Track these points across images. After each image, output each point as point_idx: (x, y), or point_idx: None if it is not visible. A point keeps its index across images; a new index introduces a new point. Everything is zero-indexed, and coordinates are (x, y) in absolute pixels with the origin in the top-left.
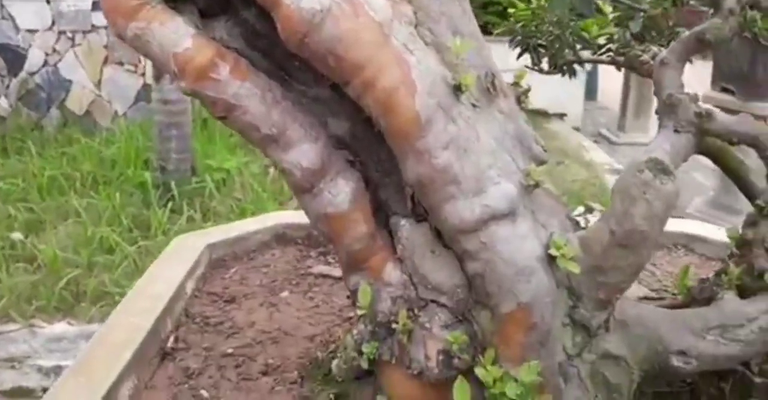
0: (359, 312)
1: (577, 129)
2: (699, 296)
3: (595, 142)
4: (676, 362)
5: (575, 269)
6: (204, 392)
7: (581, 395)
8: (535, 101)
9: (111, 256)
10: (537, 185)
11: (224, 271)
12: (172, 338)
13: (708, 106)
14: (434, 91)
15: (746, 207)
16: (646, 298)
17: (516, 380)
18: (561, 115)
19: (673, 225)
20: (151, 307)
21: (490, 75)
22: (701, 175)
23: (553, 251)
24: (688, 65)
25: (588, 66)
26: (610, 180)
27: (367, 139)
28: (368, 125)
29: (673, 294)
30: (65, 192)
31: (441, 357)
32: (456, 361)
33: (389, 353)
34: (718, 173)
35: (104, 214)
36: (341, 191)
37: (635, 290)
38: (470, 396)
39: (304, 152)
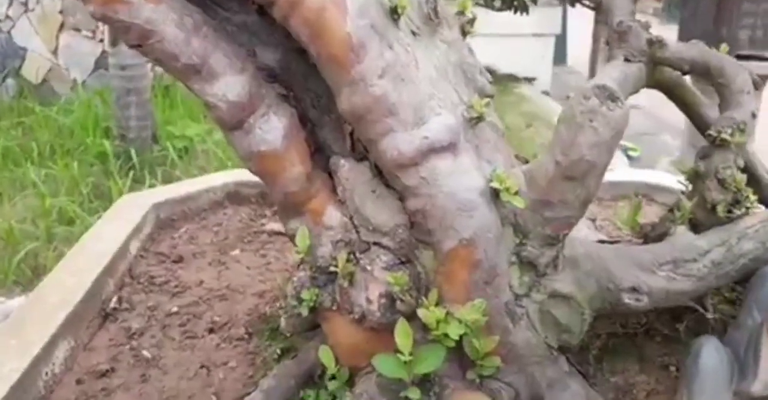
0: (296, 257)
1: (546, 93)
2: (652, 234)
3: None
4: (627, 299)
5: (520, 203)
6: (146, 352)
7: (530, 336)
8: (504, 65)
9: (71, 227)
10: (480, 118)
11: (173, 230)
12: (114, 299)
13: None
14: (368, 10)
15: None
16: (601, 241)
17: (460, 321)
18: (530, 80)
19: (634, 175)
20: (90, 266)
21: (432, 1)
22: (669, 136)
23: (495, 184)
24: (654, 29)
25: (552, 17)
26: None
27: (301, 72)
28: (302, 56)
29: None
30: (21, 163)
31: (383, 300)
32: (399, 303)
33: (330, 299)
34: (686, 134)
35: (63, 184)
36: (273, 128)
37: (592, 237)
38: (414, 339)
39: (230, 84)
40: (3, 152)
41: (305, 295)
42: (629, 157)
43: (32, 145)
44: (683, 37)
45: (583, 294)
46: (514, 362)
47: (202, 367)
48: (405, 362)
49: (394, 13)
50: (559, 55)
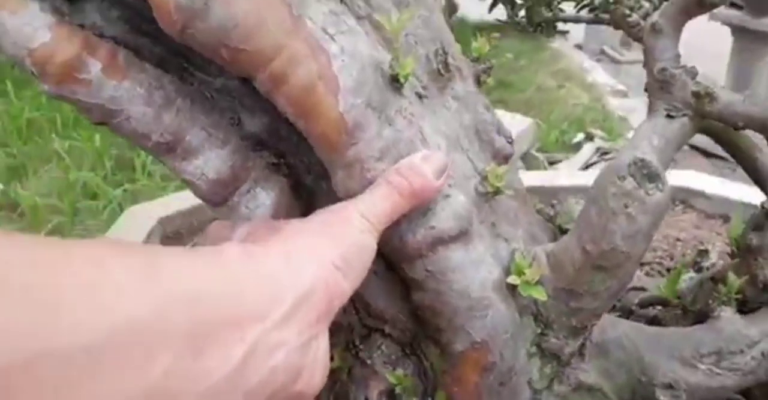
0: None
1: (579, 47)
2: (691, 307)
3: (598, 61)
4: (662, 397)
5: (541, 295)
6: None
7: None
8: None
9: (95, 201)
10: (498, 192)
11: (179, 244)
12: None
13: (708, 84)
14: (363, 86)
15: None
16: (633, 289)
17: None
18: (563, 33)
19: (671, 178)
20: None
21: (442, 52)
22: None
23: (512, 279)
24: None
25: None
26: (612, 103)
27: (293, 138)
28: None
29: (667, 270)
30: (46, 135)
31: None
32: None
33: (327, 393)
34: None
35: (87, 157)
36: (260, 204)
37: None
38: None
39: (209, 160)
40: (27, 123)
41: None
42: None
43: (56, 116)
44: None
45: (612, 385)
46: None
47: None
48: None
49: (395, 82)
50: None
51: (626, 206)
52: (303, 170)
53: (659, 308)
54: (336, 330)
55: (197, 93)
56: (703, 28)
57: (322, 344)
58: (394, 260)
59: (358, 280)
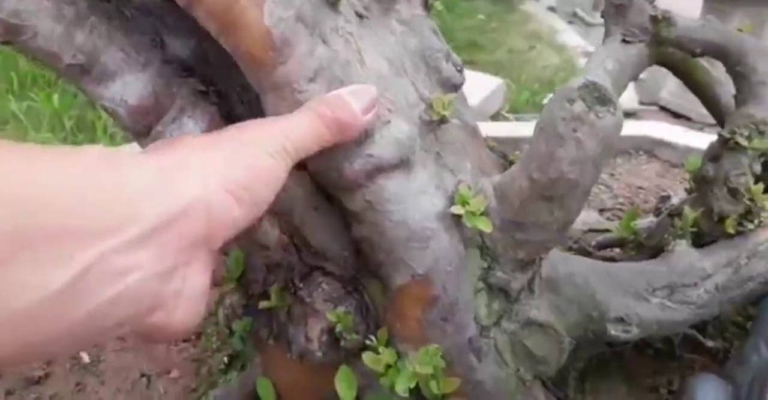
0: (228, 283)
1: (552, 9)
2: (647, 242)
3: (570, 23)
4: (613, 331)
5: (487, 227)
6: (85, 355)
7: (498, 371)
8: None
9: None
10: (443, 120)
11: None
12: None
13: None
14: None
15: None
16: (591, 230)
17: (414, 370)
18: None
19: (635, 128)
20: None
21: None
22: None
23: (456, 209)
24: None
25: None
26: (583, 63)
27: (222, 62)
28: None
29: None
30: (2, 95)
31: (325, 337)
32: (343, 341)
33: (267, 331)
34: None
35: (45, 118)
36: (188, 134)
37: (583, 214)
38: (360, 384)
39: (129, 85)
40: None
41: (236, 326)
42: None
43: (12, 76)
44: None
45: (563, 322)
46: (481, 399)
47: (142, 376)
48: None
49: None
50: None
51: (575, 131)
52: (235, 99)
53: (617, 250)
54: (275, 269)
55: (114, 10)
56: None
57: (194, 275)
58: (332, 193)
59: (258, 210)
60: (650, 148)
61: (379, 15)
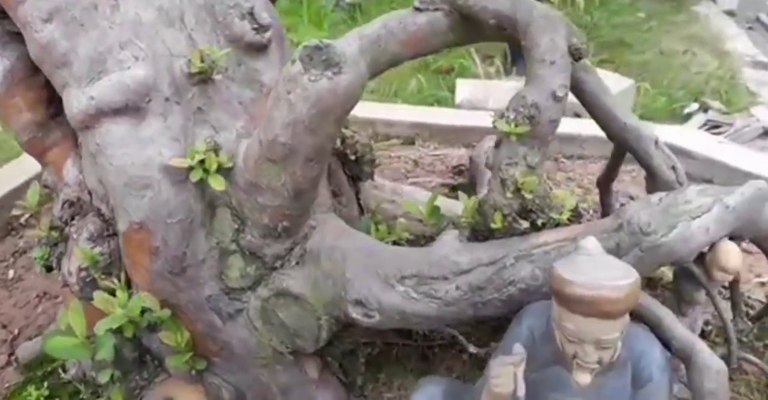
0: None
1: (731, 13)
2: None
3: (750, 28)
4: (354, 313)
5: (219, 185)
6: None
7: (247, 336)
8: None
9: None
10: (202, 73)
11: None
12: None
13: None
14: None
15: None
16: None
17: (143, 313)
18: None
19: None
20: None
21: None
22: None
23: (176, 161)
24: None
25: None
26: (747, 74)
27: None
28: None
29: None
30: None
31: (83, 274)
32: (99, 281)
33: (56, 261)
34: None
35: None
36: None
37: None
38: None
39: None
40: None
41: (37, 252)
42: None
43: None
44: None
45: (319, 297)
46: (233, 360)
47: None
48: (83, 344)
49: None
50: None
51: (288, 92)
52: None
53: None
54: (72, 205)
55: None
56: None
57: None
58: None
59: None
60: None
61: None
